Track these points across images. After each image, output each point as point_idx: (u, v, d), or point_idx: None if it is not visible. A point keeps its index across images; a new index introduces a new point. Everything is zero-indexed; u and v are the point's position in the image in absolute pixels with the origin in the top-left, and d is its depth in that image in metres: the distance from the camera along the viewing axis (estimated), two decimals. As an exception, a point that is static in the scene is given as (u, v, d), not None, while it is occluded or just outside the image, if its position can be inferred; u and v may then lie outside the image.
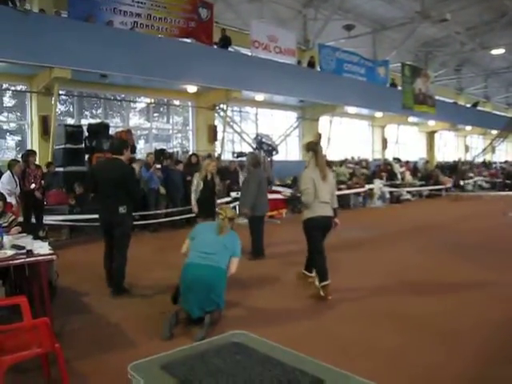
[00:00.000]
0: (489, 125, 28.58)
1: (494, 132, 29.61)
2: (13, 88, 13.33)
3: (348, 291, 5.80)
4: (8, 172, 8.69)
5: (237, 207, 9.76)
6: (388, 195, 17.94)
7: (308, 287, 5.94)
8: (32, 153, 9.18)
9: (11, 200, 8.37)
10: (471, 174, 24.61)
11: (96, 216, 10.27)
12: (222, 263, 4.61)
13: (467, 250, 8.52)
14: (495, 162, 30.31)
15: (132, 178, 5.99)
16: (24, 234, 5.13)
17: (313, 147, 5.82)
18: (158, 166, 11.90)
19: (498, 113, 31.48)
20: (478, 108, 28.85)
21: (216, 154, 15.68)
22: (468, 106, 28.70)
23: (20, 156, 10.02)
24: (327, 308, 5.13)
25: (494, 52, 25.00)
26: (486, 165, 28.13)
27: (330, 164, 12.44)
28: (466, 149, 31.43)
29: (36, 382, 3.44)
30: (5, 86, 13.12)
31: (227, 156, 16.79)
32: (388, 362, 3.78)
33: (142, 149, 15.40)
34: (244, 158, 12.36)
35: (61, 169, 11.65)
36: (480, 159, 29.33)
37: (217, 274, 4.53)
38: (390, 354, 3.92)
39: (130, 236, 5.98)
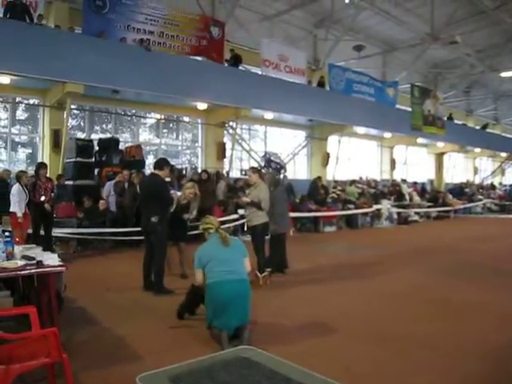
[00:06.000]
0: (498, 147, 28.49)
1: (504, 154, 29.55)
2: (26, 101, 13.51)
3: (354, 311, 5.78)
4: (17, 184, 8.75)
5: (245, 224, 9.75)
6: (396, 216, 17.86)
7: (316, 305, 5.93)
8: (43, 165, 9.19)
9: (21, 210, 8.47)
10: (480, 197, 24.52)
11: (103, 230, 10.50)
12: (245, 274, 4.74)
13: (474, 271, 8.46)
14: (505, 185, 30.05)
15: (162, 187, 6.73)
16: (34, 245, 5.16)
17: (259, 170, 8.14)
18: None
19: (507, 135, 31.37)
20: (488, 130, 28.78)
21: (224, 172, 15.75)
22: (477, 127, 28.67)
23: (29, 168, 10.07)
24: (334, 327, 5.10)
25: (504, 74, 25.02)
26: (494, 187, 27.98)
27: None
28: (475, 171, 31.33)
29: (42, 392, 3.44)
30: (18, 99, 13.31)
31: (235, 173, 16.88)
32: (392, 380, 3.76)
33: (151, 164, 15.48)
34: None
35: (70, 182, 11.75)
36: (489, 181, 29.23)
37: (247, 286, 4.66)
38: (394, 373, 3.89)
39: (164, 243, 6.67)
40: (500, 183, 30.16)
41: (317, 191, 16.43)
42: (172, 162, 15.46)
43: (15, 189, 8.64)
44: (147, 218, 6.55)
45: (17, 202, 8.45)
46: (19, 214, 8.40)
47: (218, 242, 4.77)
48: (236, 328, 4.45)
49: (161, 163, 6.84)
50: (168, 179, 11.85)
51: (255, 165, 17.00)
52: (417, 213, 19.22)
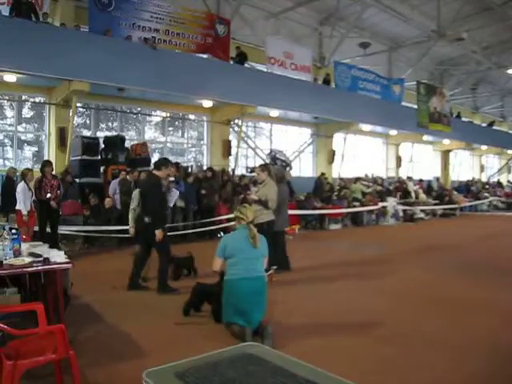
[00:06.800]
0: (505, 144, 28.35)
1: (510, 152, 29.35)
2: (32, 99, 13.58)
3: (358, 308, 5.78)
4: (22, 182, 8.78)
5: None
6: (401, 213, 17.81)
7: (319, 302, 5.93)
8: (48, 163, 9.24)
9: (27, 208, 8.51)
10: (486, 194, 24.40)
11: (109, 227, 10.51)
12: (263, 271, 4.87)
13: (479, 269, 8.44)
14: None
15: (153, 187, 6.50)
16: (40, 243, 5.18)
17: (268, 168, 7.74)
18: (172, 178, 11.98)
19: (514, 133, 31.20)
20: (494, 127, 28.61)
21: (230, 170, 15.76)
22: (484, 125, 28.50)
23: (35, 166, 10.08)
24: (338, 325, 5.10)
25: (511, 71, 24.89)
26: (501, 185, 27.83)
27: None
28: (481, 168, 31.18)
29: (49, 388, 3.46)
30: (24, 97, 13.37)
31: (241, 171, 16.88)
32: (398, 377, 3.76)
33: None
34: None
35: (76, 180, 11.79)
36: (495, 179, 29.07)
37: (265, 283, 4.79)
38: (399, 370, 3.89)
39: (164, 243, 6.46)
40: (508, 181, 30.01)
41: (321, 188, 16.40)
42: (178, 160, 15.62)
43: (20, 187, 8.65)
44: (140, 217, 6.58)
45: (22, 199, 8.47)
46: (24, 212, 8.44)
47: (247, 238, 4.77)
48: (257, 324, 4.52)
49: (158, 163, 6.72)
50: (172, 178, 11.99)
51: (261, 162, 17.00)
52: (422, 210, 19.16)
